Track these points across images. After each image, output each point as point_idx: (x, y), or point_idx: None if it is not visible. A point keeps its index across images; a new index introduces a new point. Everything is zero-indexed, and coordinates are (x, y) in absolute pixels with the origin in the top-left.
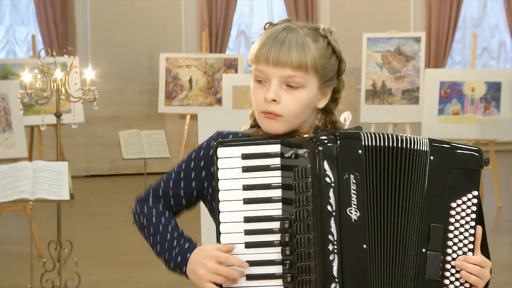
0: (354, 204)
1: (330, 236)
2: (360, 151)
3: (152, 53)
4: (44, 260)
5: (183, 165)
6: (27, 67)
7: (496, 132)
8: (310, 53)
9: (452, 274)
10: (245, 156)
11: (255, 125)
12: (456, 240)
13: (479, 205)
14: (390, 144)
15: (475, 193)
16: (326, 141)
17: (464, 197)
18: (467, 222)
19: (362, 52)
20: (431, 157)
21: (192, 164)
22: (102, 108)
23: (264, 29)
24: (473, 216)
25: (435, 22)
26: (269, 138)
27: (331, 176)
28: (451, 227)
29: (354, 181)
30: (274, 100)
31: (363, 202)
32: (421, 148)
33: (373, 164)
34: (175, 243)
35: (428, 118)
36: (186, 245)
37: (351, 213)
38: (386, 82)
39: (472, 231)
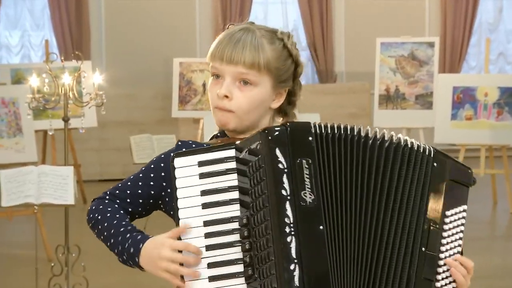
0: (308, 188)
1: (286, 219)
2: (310, 138)
3: (166, 58)
4: (52, 264)
5: (143, 169)
6: (35, 71)
7: (509, 137)
8: (263, 53)
9: (443, 278)
10: (202, 163)
11: (216, 135)
12: (448, 246)
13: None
14: (344, 132)
15: (465, 207)
16: (276, 130)
17: (457, 209)
18: (457, 232)
19: (376, 56)
20: (435, 164)
21: (152, 166)
22: (115, 112)
23: (224, 30)
24: (462, 228)
25: (450, 27)
26: (225, 144)
27: (283, 161)
28: (444, 234)
29: (306, 166)
30: (226, 97)
31: (317, 186)
32: (423, 153)
33: (326, 150)
34: (128, 235)
35: (440, 123)
36: (139, 237)
37: (305, 196)
38: (399, 87)
39: (460, 241)
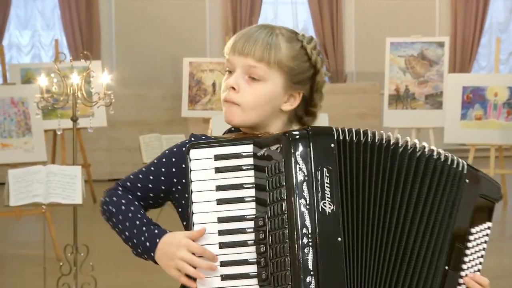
0: (328, 197)
1: (304, 230)
2: (332, 145)
3: (176, 58)
4: (61, 264)
5: (155, 161)
6: (44, 71)
7: None
8: (276, 49)
9: None
10: (218, 157)
11: (229, 130)
12: (469, 264)
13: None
14: (369, 140)
15: (490, 224)
16: (298, 135)
17: (482, 226)
18: (479, 250)
19: (385, 56)
20: (467, 180)
21: (164, 160)
22: (125, 112)
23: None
24: (485, 245)
25: (460, 27)
26: (242, 139)
27: (304, 169)
28: (467, 251)
29: (327, 174)
30: (234, 88)
31: (337, 195)
32: (456, 167)
33: (348, 158)
34: (144, 228)
35: (450, 123)
36: (156, 231)
37: (325, 206)
38: (409, 86)
39: (481, 259)
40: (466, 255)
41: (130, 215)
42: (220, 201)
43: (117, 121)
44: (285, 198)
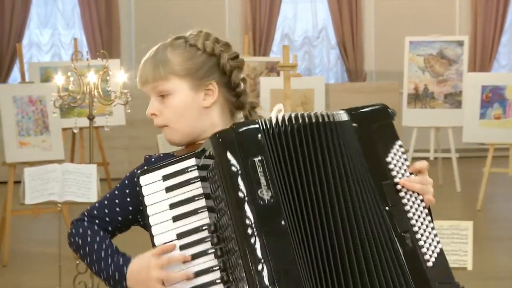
0: (264, 185)
1: (247, 221)
2: (259, 135)
3: None
4: (77, 262)
5: (118, 187)
6: (61, 70)
7: None
8: (163, 63)
9: (416, 220)
10: (166, 177)
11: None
12: (404, 189)
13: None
14: (294, 123)
15: (399, 142)
16: (224, 133)
17: (393, 150)
18: (405, 170)
19: (404, 55)
20: (354, 124)
21: (128, 186)
22: (144, 111)
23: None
24: (407, 163)
25: (480, 26)
26: (185, 155)
27: (235, 164)
28: (396, 179)
29: (259, 164)
30: (155, 115)
31: (272, 182)
32: (341, 119)
33: (277, 144)
34: (109, 260)
35: (469, 122)
36: (121, 260)
37: (262, 194)
38: (428, 85)
39: (407, 173)
40: (396, 184)
41: (95, 247)
42: (175, 218)
43: (135, 120)
44: (224, 196)
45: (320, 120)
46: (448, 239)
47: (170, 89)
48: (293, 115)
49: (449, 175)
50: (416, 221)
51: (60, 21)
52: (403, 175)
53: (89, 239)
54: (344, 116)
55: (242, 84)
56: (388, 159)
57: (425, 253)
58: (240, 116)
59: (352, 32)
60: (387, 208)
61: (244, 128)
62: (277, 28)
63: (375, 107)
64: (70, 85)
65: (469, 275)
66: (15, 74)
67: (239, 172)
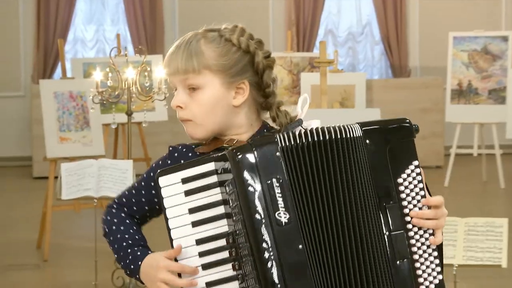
0: (282, 207)
1: (264, 244)
2: (278, 154)
3: None
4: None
5: (144, 178)
6: (99, 66)
7: None
8: (197, 55)
9: (418, 248)
10: (185, 180)
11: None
12: (413, 213)
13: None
14: (310, 140)
15: (416, 162)
16: (242, 151)
17: (407, 170)
18: (417, 193)
19: (448, 51)
20: (367, 141)
21: (152, 174)
22: None
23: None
24: (421, 185)
25: None
26: (205, 159)
27: (253, 184)
28: (404, 202)
29: (277, 184)
30: (181, 107)
31: (291, 203)
32: (354, 135)
33: (295, 163)
34: (129, 250)
35: None
36: (138, 253)
37: (280, 216)
38: (472, 81)
39: (420, 197)
40: (404, 207)
41: (118, 236)
42: (194, 223)
43: None
44: (240, 216)
45: (333, 136)
46: (482, 236)
47: (201, 84)
48: (308, 130)
49: (492, 171)
50: (419, 248)
51: (105, 17)
52: (413, 198)
53: (114, 227)
54: (357, 132)
55: (272, 85)
56: (400, 180)
57: (422, 283)
58: (266, 116)
59: (397, 27)
60: (387, 233)
61: (263, 145)
62: (321, 23)
63: (395, 123)
64: (109, 81)
65: (504, 272)
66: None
67: (256, 192)
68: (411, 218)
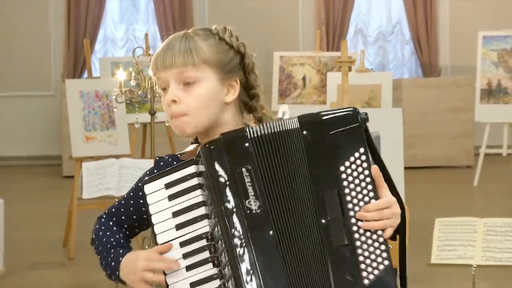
0: (252, 195)
1: (235, 232)
2: (247, 144)
3: (267, 52)
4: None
5: (133, 188)
6: (122, 65)
7: None
8: (196, 50)
9: (361, 234)
10: (168, 185)
11: (193, 141)
12: (355, 200)
13: (373, 156)
14: (270, 131)
15: (362, 150)
16: (212, 144)
17: (351, 158)
18: (361, 181)
19: (478, 50)
20: (304, 132)
21: (137, 188)
22: None
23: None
24: (366, 172)
25: None
26: (186, 162)
27: (223, 175)
28: (346, 190)
29: (246, 173)
30: (175, 101)
31: (261, 191)
32: (291, 127)
33: (263, 153)
34: (112, 250)
35: None
36: (121, 251)
37: (250, 204)
38: (501, 81)
39: (370, 186)
40: (347, 194)
41: (104, 239)
42: (178, 226)
43: None
44: (213, 206)
45: (274, 130)
46: (501, 237)
47: (199, 77)
48: (271, 123)
49: None
50: (361, 235)
51: (135, 16)
52: (356, 185)
53: (101, 233)
54: (294, 124)
55: (258, 87)
56: (342, 168)
57: (363, 270)
58: (249, 118)
59: (427, 26)
60: (323, 220)
61: (232, 137)
62: (351, 22)
63: (336, 113)
64: (132, 81)
65: None
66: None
67: (227, 183)
68: (354, 212)
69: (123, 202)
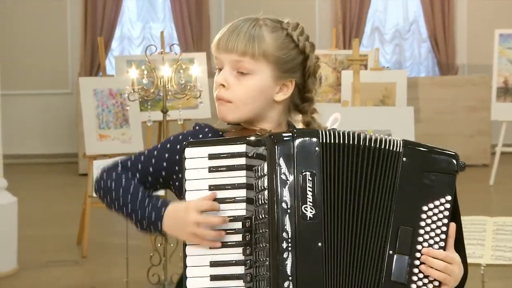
0: (310, 202)
1: (284, 234)
2: (317, 148)
3: None
4: (151, 254)
5: (158, 146)
6: (135, 64)
7: None
8: (259, 40)
9: (419, 279)
10: (211, 157)
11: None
12: (425, 244)
13: (453, 209)
14: (351, 142)
15: (449, 197)
16: (283, 138)
17: (436, 201)
18: (438, 227)
19: (494, 48)
20: (404, 159)
21: (168, 146)
22: None
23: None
24: (445, 221)
25: None
26: (236, 139)
27: (287, 173)
28: (421, 231)
29: (310, 178)
30: (223, 86)
31: (319, 199)
32: (392, 149)
33: (332, 161)
34: (147, 201)
35: None
36: (159, 202)
37: (306, 210)
38: None
39: (443, 236)
40: (420, 235)
41: (131, 190)
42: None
43: None
44: (267, 202)
45: (372, 144)
46: (511, 236)
47: (254, 70)
48: (351, 133)
49: None
50: (419, 279)
51: (152, 14)
52: (432, 230)
53: (123, 183)
54: (397, 147)
55: (314, 92)
56: (425, 207)
57: None
58: (297, 119)
59: (444, 25)
60: (390, 252)
61: (305, 137)
62: (367, 21)
63: (442, 154)
64: (144, 79)
65: None
66: (108, 67)
67: (288, 182)
68: (421, 254)
69: (142, 158)
